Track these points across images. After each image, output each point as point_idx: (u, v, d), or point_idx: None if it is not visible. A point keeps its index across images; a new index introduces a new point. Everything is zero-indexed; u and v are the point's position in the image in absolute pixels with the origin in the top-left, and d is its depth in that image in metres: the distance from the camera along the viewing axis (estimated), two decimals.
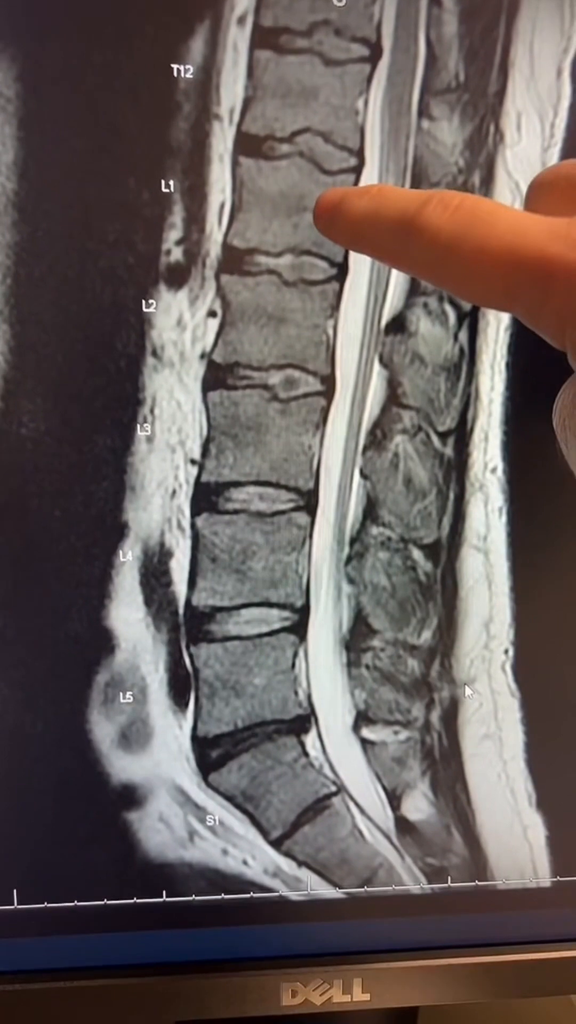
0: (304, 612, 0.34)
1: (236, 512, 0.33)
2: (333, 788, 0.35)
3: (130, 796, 0.34)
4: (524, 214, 0.19)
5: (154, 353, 0.32)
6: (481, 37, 0.31)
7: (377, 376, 0.33)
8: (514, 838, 0.36)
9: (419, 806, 0.35)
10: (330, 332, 0.32)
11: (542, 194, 0.21)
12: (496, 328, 0.33)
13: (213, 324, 0.32)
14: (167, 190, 0.31)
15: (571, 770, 0.36)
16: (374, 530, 0.34)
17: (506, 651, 0.35)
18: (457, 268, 0.19)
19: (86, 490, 0.32)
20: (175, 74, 0.30)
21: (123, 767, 0.34)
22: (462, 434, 0.33)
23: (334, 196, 0.22)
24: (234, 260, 0.31)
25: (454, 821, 0.36)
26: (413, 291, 0.32)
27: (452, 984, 0.36)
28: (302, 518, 0.33)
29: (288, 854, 0.35)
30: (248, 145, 0.31)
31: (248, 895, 0.35)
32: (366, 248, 0.21)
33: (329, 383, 0.33)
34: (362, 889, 0.36)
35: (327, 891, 0.36)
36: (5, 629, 0.33)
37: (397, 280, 0.32)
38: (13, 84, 0.30)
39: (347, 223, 0.21)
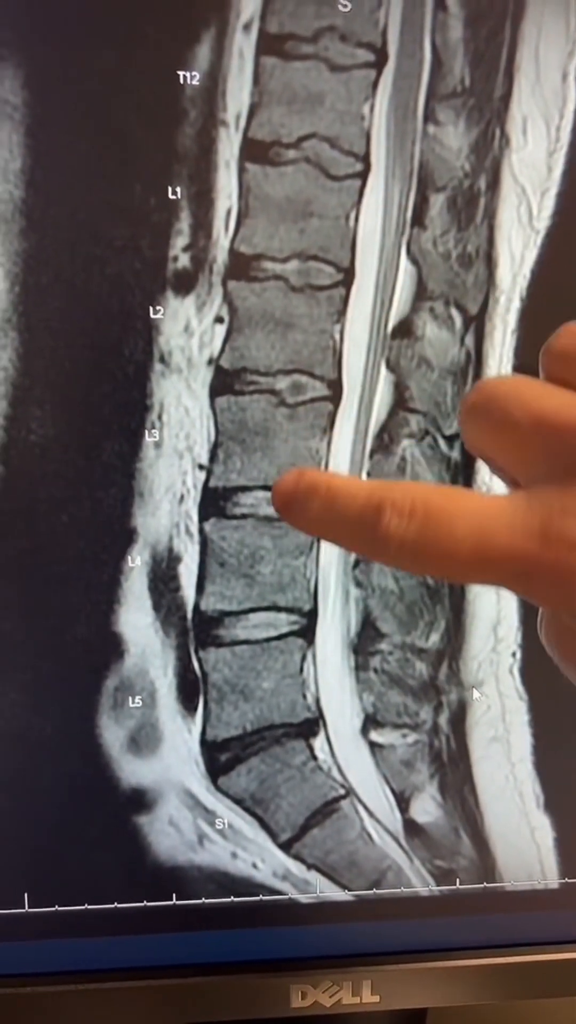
0: (312, 616, 0.34)
1: (244, 517, 0.33)
2: (342, 791, 0.35)
3: (140, 800, 0.34)
4: (480, 504, 0.19)
5: (162, 359, 0.32)
6: (486, 42, 0.31)
7: (384, 380, 0.33)
8: (522, 840, 0.36)
9: (427, 808, 0.36)
10: (337, 337, 0.32)
11: (560, 364, 0.21)
12: (503, 332, 0.33)
13: (220, 330, 0.32)
14: (174, 196, 0.31)
15: None
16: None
17: (514, 654, 0.35)
18: (434, 571, 0.20)
19: (94, 496, 0.32)
20: (181, 81, 0.30)
21: (132, 771, 0.34)
22: None
23: (285, 492, 0.21)
24: (241, 266, 0.31)
25: (462, 823, 0.36)
26: (420, 296, 0.32)
27: (461, 985, 0.36)
28: None
29: (297, 857, 0.35)
30: (254, 151, 0.31)
31: (257, 898, 0.35)
32: (334, 544, 0.21)
33: (336, 388, 0.33)
34: (371, 891, 0.36)
35: (336, 893, 0.36)
36: (15, 634, 0.33)
37: (404, 285, 0.32)
38: (20, 91, 0.30)
39: (305, 526, 0.21)
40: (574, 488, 0.18)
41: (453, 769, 0.35)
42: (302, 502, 0.21)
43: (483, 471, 0.34)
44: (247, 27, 0.30)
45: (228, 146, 0.31)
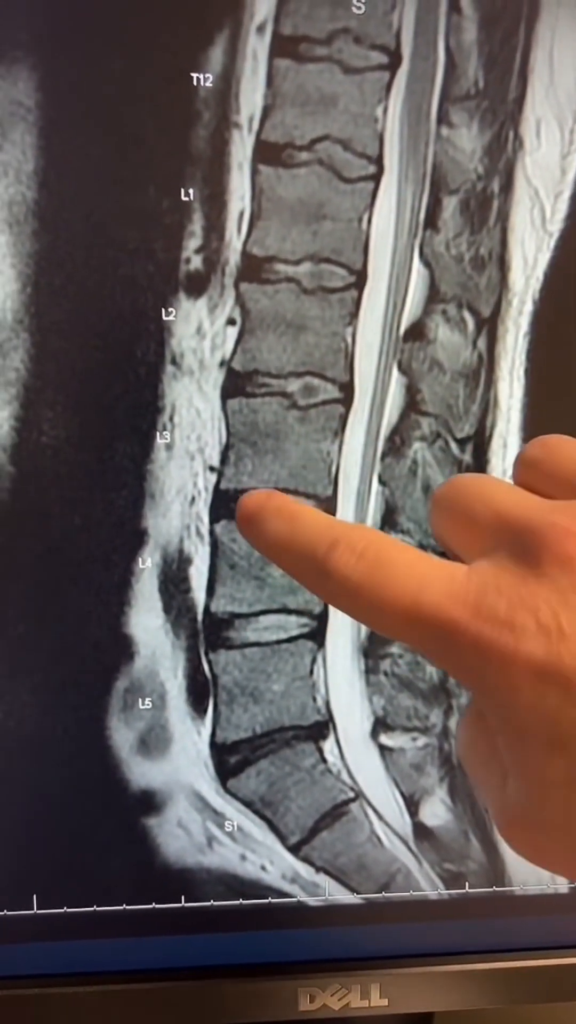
0: (322, 618, 0.34)
1: None
2: (351, 794, 0.35)
3: (149, 802, 0.34)
4: (427, 565, 0.20)
5: (173, 361, 0.32)
6: (500, 44, 0.31)
7: (396, 383, 0.33)
8: None
9: (437, 812, 0.35)
10: (349, 339, 0.32)
11: (528, 472, 0.22)
12: (515, 335, 0.33)
13: (232, 332, 0.32)
14: (187, 198, 0.31)
15: None
16: (392, 536, 0.34)
17: None
18: (364, 615, 0.20)
19: (106, 497, 0.32)
20: (195, 83, 0.30)
21: (142, 773, 0.34)
22: (480, 441, 0.33)
23: (251, 506, 0.22)
24: (253, 268, 0.31)
25: (472, 827, 0.36)
26: (432, 298, 0.32)
27: (470, 990, 0.36)
28: None
29: (306, 860, 0.35)
30: (267, 153, 0.31)
31: (266, 900, 0.35)
32: (281, 567, 0.22)
33: (348, 390, 0.33)
34: (380, 894, 0.36)
35: (345, 896, 0.36)
36: (26, 636, 0.33)
37: (416, 287, 0.32)
38: (34, 93, 0.30)
39: (262, 542, 0.22)
40: (513, 571, 0.19)
41: (463, 772, 0.35)
42: (265, 520, 0.22)
43: (495, 474, 0.33)
44: (261, 29, 0.30)
45: (241, 148, 0.31)
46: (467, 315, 0.33)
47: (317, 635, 0.34)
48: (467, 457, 0.33)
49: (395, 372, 0.33)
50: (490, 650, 0.18)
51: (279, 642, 0.34)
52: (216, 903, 0.35)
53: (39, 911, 0.34)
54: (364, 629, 0.34)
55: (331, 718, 0.34)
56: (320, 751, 0.35)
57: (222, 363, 0.32)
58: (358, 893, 0.36)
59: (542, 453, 0.21)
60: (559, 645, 0.18)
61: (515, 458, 0.22)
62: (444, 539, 0.22)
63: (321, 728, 0.35)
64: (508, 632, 0.18)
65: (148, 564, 0.33)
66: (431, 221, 0.32)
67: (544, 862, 0.20)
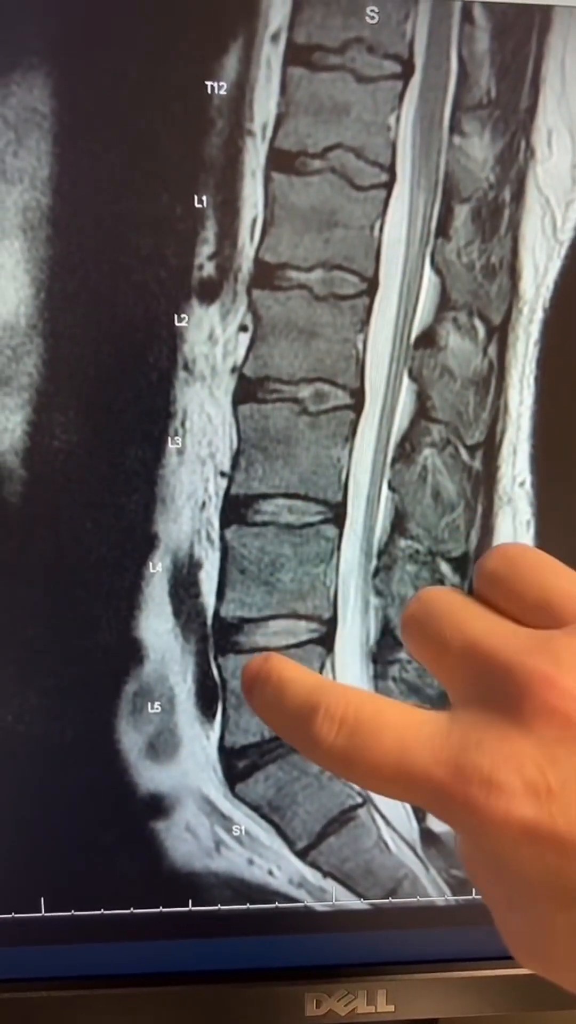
0: (331, 624, 0.34)
1: (265, 524, 0.33)
2: (359, 799, 0.35)
3: (157, 806, 0.34)
4: (407, 720, 0.19)
5: (185, 367, 0.32)
6: (513, 54, 0.32)
7: (406, 390, 0.33)
8: None
9: None
10: (360, 346, 0.32)
11: (488, 586, 0.22)
12: (525, 343, 0.33)
13: (244, 338, 0.32)
14: (200, 205, 0.31)
15: None
16: (402, 543, 0.34)
17: None
18: (356, 780, 0.20)
19: (117, 502, 0.32)
20: (209, 91, 0.31)
21: (151, 777, 0.34)
22: (490, 448, 0.34)
23: (248, 673, 0.23)
24: (265, 275, 0.32)
25: None
26: (443, 306, 0.33)
27: (476, 996, 0.36)
28: (330, 530, 0.33)
29: (313, 864, 0.35)
30: (280, 161, 0.31)
31: (273, 905, 0.35)
32: (277, 733, 0.22)
33: (358, 397, 0.33)
34: (387, 900, 0.36)
35: (352, 902, 0.36)
36: (36, 639, 0.33)
37: (427, 295, 0.32)
38: (49, 100, 0.30)
39: (257, 709, 0.22)
40: (495, 724, 0.18)
41: None
42: (259, 687, 0.22)
43: (504, 482, 0.34)
44: (275, 38, 0.31)
45: (254, 156, 0.31)
46: (478, 323, 0.33)
47: (326, 640, 0.34)
48: (477, 464, 0.33)
49: (406, 379, 0.33)
50: (480, 812, 0.18)
51: (288, 647, 0.34)
52: (223, 907, 0.35)
53: (47, 914, 0.34)
54: (373, 635, 0.34)
55: None
56: None
57: (234, 369, 0.32)
58: (365, 898, 0.36)
59: (505, 569, 0.21)
60: (549, 805, 0.17)
61: (475, 566, 0.22)
62: (418, 659, 0.22)
63: None
64: (496, 793, 0.18)
65: (158, 568, 0.33)
66: (442, 229, 0.32)
67: (554, 979, 0.20)
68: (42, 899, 0.34)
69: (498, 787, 0.18)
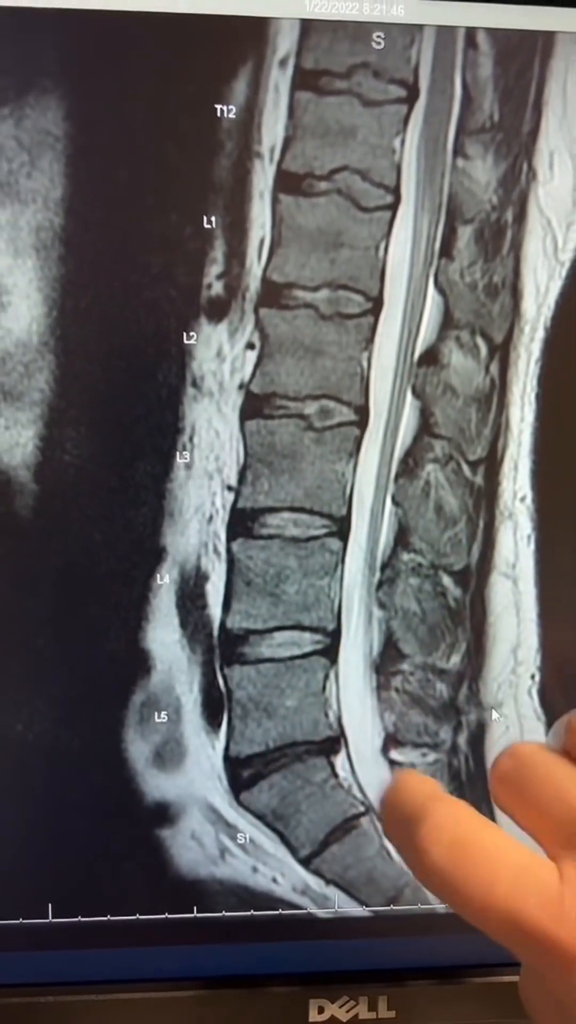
0: (335, 636, 0.35)
1: (270, 537, 0.34)
2: (361, 808, 0.36)
3: (163, 814, 0.35)
4: (514, 854, 0.20)
5: (194, 383, 0.33)
6: (515, 78, 0.32)
7: (410, 406, 0.34)
8: None
9: None
10: (364, 364, 0.33)
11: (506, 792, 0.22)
12: (527, 360, 0.34)
13: (251, 356, 0.33)
14: (209, 226, 0.32)
15: None
16: (405, 556, 0.34)
17: (532, 676, 0.35)
18: (459, 906, 0.20)
19: (126, 515, 0.33)
20: (219, 114, 0.31)
21: (157, 785, 0.35)
22: (492, 463, 0.34)
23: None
24: (273, 294, 0.32)
25: None
26: (446, 325, 0.33)
27: (478, 1003, 0.36)
28: (335, 544, 0.34)
29: (316, 872, 0.36)
30: (288, 183, 0.32)
31: (277, 912, 0.36)
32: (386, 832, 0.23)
33: (363, 413, 0.33)
34: (388, 907, 0.36)
35: (354, 909, 0.36)
36: (45, 649, 0.33)
37: (431, 314, 0.33)
38: (62, 122, 0.31)
39: (382, 807, 0.23)
40: None
41: (471, 788, 0.36)
42: (390, 789, 0.22)
43: (506, 497, 0.34)
44: (283, 63, 0.31)
45: (262, 177, 0.32)
46: (480, 341, 0.33)
47: (330, 652, 0.35)
48: (479, 479, 0.34)
49: (409, 396, 0.33)
50: None
51: (293, 658, 0.35)
52: (228, 914, 0.36)
53: (54, 920, 0.35)
54: (376, 647, 0.35)
55: (343, 733, 0.35)
56: (331, 766, 0.35)
57: (241, 386, 0.33)
58: (367, 906, 0.36)
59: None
60: None
61: (566, 723, 0.22)
62: (510, 814, 0.22)
63: (333, 743, 0.35)
64: None
65: (166, 580, 0.34)
66: (446, 250, 0.33)
67: None
68: (50, 905, 0.35)
69: None
